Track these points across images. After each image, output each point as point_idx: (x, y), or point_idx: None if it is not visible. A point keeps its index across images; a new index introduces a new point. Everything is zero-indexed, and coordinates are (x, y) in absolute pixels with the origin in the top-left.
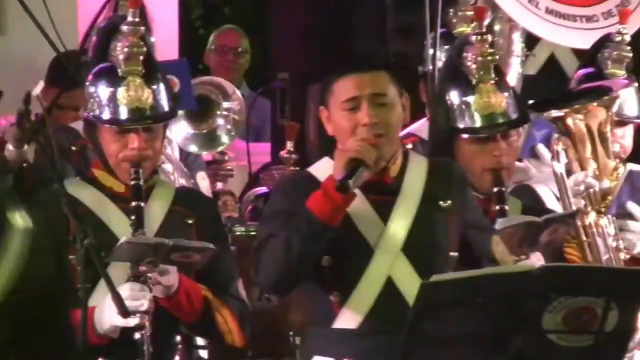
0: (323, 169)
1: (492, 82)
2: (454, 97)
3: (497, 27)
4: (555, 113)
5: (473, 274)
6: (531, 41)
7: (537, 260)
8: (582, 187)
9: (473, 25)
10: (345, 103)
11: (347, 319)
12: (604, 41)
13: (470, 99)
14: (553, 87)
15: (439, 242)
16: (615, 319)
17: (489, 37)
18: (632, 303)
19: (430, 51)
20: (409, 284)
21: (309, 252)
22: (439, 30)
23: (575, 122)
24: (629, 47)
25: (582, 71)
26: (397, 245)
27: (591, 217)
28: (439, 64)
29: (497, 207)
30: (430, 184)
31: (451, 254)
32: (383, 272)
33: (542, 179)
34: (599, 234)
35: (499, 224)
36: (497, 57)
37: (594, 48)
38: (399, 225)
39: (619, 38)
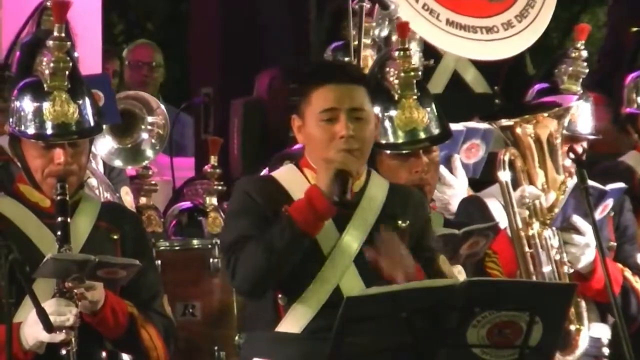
0: (288, 177)
1: (414, 97)
2: (376, 111)
3: (394, 38)
4: (504, 122)
5: (397, 288)
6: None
7: (457, 273)
8: (527, 198)
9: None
10: (322, 114)
11: (291, 323)
12: (561, 57)
13: (393, 114)
14: (461, 104)
15: None
16: (540, 334)
17: (412, 53)
18: (556, 317)
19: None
20: None
21: (289, 259)
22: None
23: (525, 131)
24: (585, 63)
25: (537, 86)
26: (349, 256)
27: (535, 228)
28: None
29: None
30: (390, 204)
31: None
32: (332, 280)
33: (491, 193)
34: (542, 245)
35: None
36: (419, 72)
37: (551, 63)
38: (354, 236)
39: (575, 54)
